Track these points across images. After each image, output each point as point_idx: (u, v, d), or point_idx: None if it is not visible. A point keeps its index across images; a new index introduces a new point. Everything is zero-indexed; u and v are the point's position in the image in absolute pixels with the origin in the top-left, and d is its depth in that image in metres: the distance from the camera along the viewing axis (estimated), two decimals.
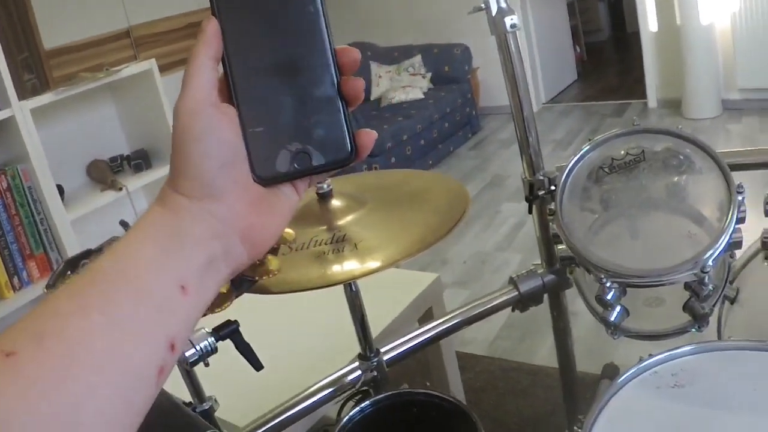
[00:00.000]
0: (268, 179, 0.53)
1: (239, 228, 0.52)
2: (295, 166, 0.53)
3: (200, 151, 0.50)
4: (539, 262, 1.70)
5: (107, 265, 0.48)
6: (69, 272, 1.10)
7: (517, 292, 1.66)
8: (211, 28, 0.52)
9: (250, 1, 0.52)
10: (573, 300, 1.73)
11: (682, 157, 1.28)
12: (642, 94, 6.29)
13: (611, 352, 2.53)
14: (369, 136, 0.54)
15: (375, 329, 1.50)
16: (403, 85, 6.25)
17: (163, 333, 0.48)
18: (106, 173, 3.37)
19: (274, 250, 0.93)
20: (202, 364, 1.16)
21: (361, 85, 0.53)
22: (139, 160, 3.43)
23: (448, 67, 6.33)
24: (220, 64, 0.52)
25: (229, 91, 0.53)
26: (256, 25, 0.52)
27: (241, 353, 1.14)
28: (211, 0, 0.52)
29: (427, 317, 2.00)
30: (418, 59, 6.45)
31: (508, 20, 1.48)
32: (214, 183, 0.51)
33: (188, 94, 0.51)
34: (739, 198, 1.19)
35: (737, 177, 1.24)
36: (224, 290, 0.90)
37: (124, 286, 0.47)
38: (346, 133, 0.53)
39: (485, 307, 1.67)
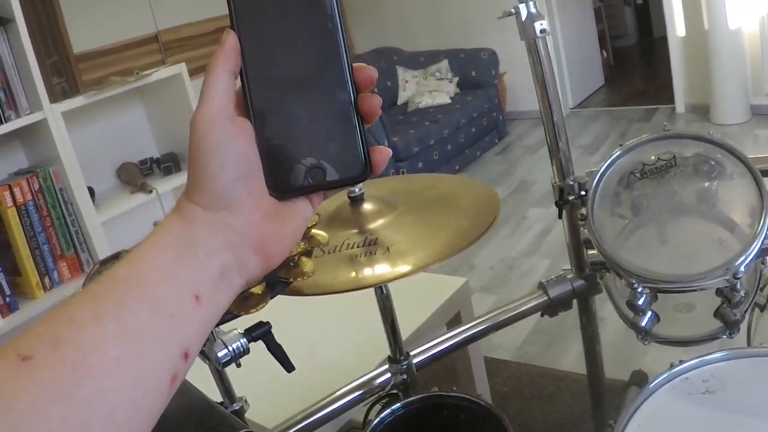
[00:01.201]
0: (282, 193, 0.54)
1: (253, 239, 0.53)
2: (310, 180, 0.53)
3: (216, 163, 0.51)
4: (568, 267, 1.70)
5: (122, 272, 0.48)
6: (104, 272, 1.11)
7: (546, 297, 1.66)
8: (230, 41, 0.52)
9: (270, 16, 0.53)
10: (601, 306, 1.73)
11: (713, 163, 1.28)
12: (669, 99, 6.25)
13: (639, 359, 2.52)
14: (383, 154, 0.55)
15: (404, 333, 1.51)
16: (430, 90, 6.26)
17: (177, 342, 0.48)
18: (136, 176, 3.40)
19: (308, 253, 0.95)
20: (233, 365, 1.17)
21: (377, 102, 0.54)
22: (169, 163, 3.46)
23: (475, 71, 6.33)
24: (238, 77, 0.53)
25: (245, 105, 0.53)
26: (275, 40, 0.53)
27: (273, 354, 1.15)
28: (231, 14, 0.53)
29: (455, 321, 2.01)
30: (444, 64, 6.46)
31: (538, 25, 1.49)
32: (229, 195, 0.51)
33: (205, 107, 0.51)
34: None
35: None
36: (259, 291, 0.91)
37: (138, 295, 0.47)
38: (361, 149, 0.54)
39: (515, 312, 1.67)
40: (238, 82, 0.53)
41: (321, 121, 0.53)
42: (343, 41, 0.53)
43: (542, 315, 1.71)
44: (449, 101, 6.10)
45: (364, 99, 0.54)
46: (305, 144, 0.53)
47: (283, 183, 0.53)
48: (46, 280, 2.82)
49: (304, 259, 0.82)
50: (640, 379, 2.09)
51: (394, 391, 1.47)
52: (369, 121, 0.54)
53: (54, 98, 2.85)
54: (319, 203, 0.57)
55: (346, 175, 0.54)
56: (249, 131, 0.52)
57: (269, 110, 0.53)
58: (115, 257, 1.13)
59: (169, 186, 3.39)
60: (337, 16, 0.53)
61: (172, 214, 0.53)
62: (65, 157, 2.86)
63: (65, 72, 4.55)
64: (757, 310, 1.46)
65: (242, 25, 0.53)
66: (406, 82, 6.49)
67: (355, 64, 0.54)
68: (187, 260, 0.50)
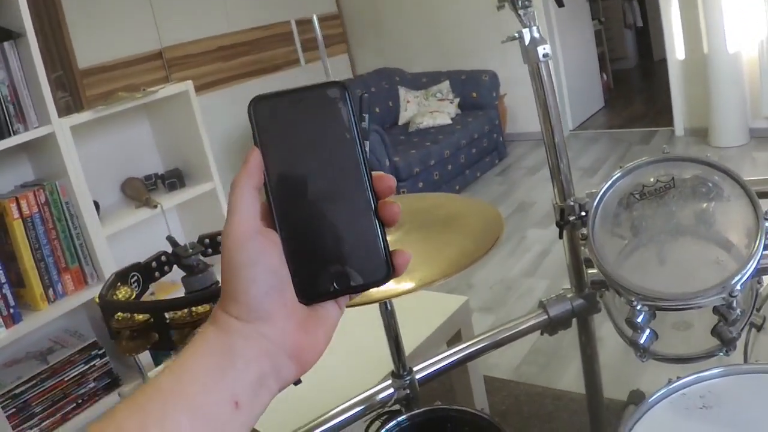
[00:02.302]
0: (311, 300, 0.56)
1: (288, 347, 0.55)
2: (336, 286, 0.56)
3: (248, 278, 0.53)
4: (567, 287, 1.73)
5: (165, 382, 0.51)
6: (119, 284, 1.14)
7: (546, 316, 1.68)
8: (254, 159, 0.55)
9: (291, 131, 0.56)
10: (599, 326, 1.75)
11: (710, 185, 1.31)
12: (669, 122, 6.30)
13: (637, 378, 2.54)
14: (404, 257, 0.58)
15: (406, 349, 1.53)
16: (431, 111, 6.31)
17: None
18: (140, 191, 3.43)
19: None
20: None
21: (397, 209, 0.56)
22: (174, 179, 3.49)
23: (476, 93, 6.38)
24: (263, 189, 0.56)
25: (271, 217, 0.56)
26: (296, 154, 0.56)
27: None
28: (253, 130, 0.56)
29: (455, 340, 2.03)
30: (445, 85, 6.51)
31: (541, 50, 1.52)
32: (261, 307, 0.54)
33: (234, 224, 0.54)
34: (767, 225, 1.22)
35: (765, 204, 1.26)
36: None
37: (180, 403, 0.50)
38: (383, 254, 0.56)
39: (515, 330, 1.69)
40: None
41: (344, 229, 0.56)
42: (362, 152, 0.56)
43: (542, 333, 1.73)
44: (450, 122, 6.14)
45: (384, 206, 0.56)
46: (330, 252, 0.56)
47: (311, 290, 0.56)
48: (50, 292, 2.83)
49: None
50: (638, 399, 2.10)
51: (396, 407, 1.49)
52: (389, 226, 0.57)
53: (58, 113, 2.88)
54: (345, 304, 0.59)
55: (370, 279, 0.56)
56: (277, 243, 0.55)
57: (294, 222, 0.56)
58: (132, 269, 1.16)
59: (173, 201, 3.41)
60: (354, 128, 0.56)
61: (208, 324, 0.55)
62: (72, 170, 2.88)
63: (70, 86, 4.60)
64: (753, 330, 1.49)
65: (264, 140, 0.56)
66: (408, 102, 6.54)
67: (374, 173, 0.57)
68: (226, 369, 0.53)
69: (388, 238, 0.57)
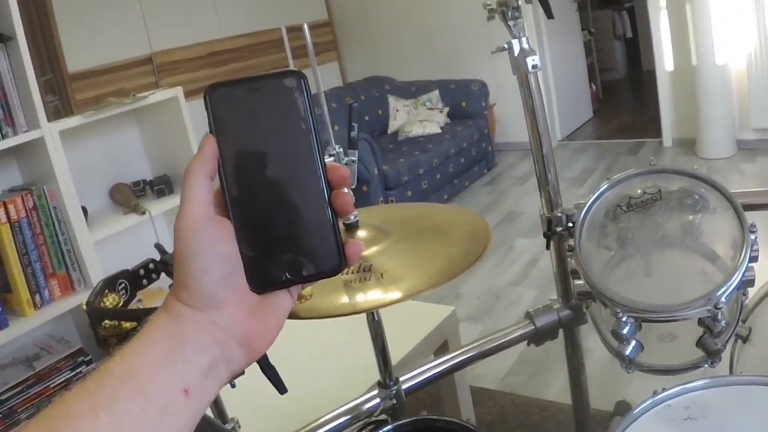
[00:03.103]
0: (263, 288, 0.57)
1: (239, 334, 0.55)
2: (288, 275, 0.56)
3: (199, 266, 0.54)
4: (555, 297, 1.73)
5: (116, 368, 0.51)
6: (106, 291, 1.14)
7: (533, 327, 1.69)
8: (209, 147, 0.55)
9: (246, 120, 0.56)
10: (586, 337, 1.76)
11: (697, 197, 1.32)
12: (657, 133, 6.34)
13: (623, 390, 2.55)
14: (356, 248, 0.58)
15: (393, 359, 1.53)
16: (421, 119, 6.32)
17: None
18: (129, 197, 3.42)
19: None
20: (228, 385, 1.19)
21: (350, 200, 0.57)
22: (162, 186, 3.48)
23: (465, 102, 6.40)
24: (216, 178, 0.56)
25: (225, 205, 0.56)
26: (251, 143, 0.56)
27: (267, 376, 1.17)
28: (209, 119, 0.56)
29: (442, 350, 2.03)
30: (435, 94, 6.52)
31: (530, 60, 1.53)
32: (213, 295, 0.54)
33: (186, 211, 0.54)
34: (752, 237, 1.23)
35: (751, 217, 1.28)
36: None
37: (131, 389, 0.50)
38: (335, 245, 0.57)
39: (502, 341, 1.69)
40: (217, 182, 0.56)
41: (297, 218, 0.56)
42: (317, 142, 0.56)
43: (528, 344, 1.74)
44: (439, 131, 6.15)
45: (338, 196, 0.57)
46: (283, 241, 0.56)
47: (263, 279, 0.56)
48: (37, 297, 2.82)
49: None
50: (624, 410, 2.11)
51: (383, 417, 1.49)
52: (342, 216, 0.58)
53: (47, 117, 2.87)
54: (297, 293, 0.60)
55: (322, 269, 0.57)
56: (230, 231, 0.55)
57: (247, 210, 0.56)
58: (120, 276, 1.16)
59: (161, 208, 3.41)
60: (310, 118, 0.56)
61: (160, 311, 0.56)
62: (60, 175, 2.87)
63: (59, 90, 4.59)
64: (739, 341, 1.50)
65: (219, 128, 0.56)
66: (397, 111, 6.55)
67: (328, 164, 0.57)
68: (176, 356, 0.53)
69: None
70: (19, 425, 2.68)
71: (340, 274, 0.58)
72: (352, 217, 1.30)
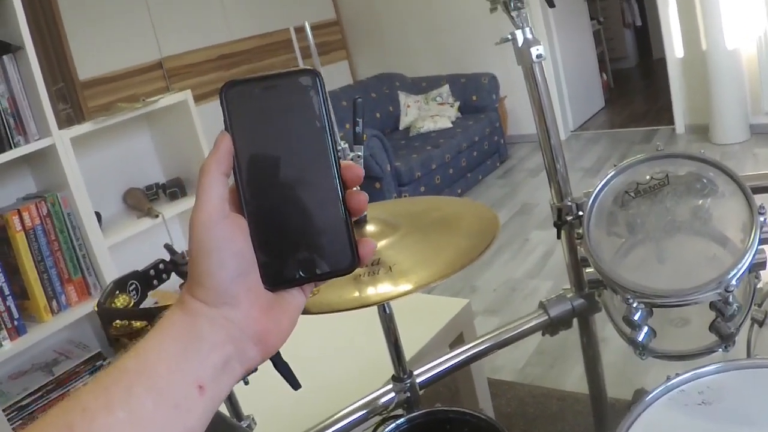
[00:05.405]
0: (276, 286, 0.57)
1: (253, 331, 0.56)
2: (302, 273, 0.57)
3: (215, 263, 0.54)
4: (569, 287, 1.73)
5: (130, 364, 0.52)
6: (117, 292, 1.15)
7: (547, 317, 1.68)
8: (224, 145, 0.55)
9: (262, 118, 0.56)
10: (603, 326, 1.75)
11: (705, 181, 1.31)
12: (669, 121, 6.30)
13: (641, 378, 2.54)
14: (369, 246, 0.58)
15: (408, 353, 1.53)
16: (432, 115, 6.31)
17: (181, 428, 0.51)
18: (142, 201, 3.44)
19: None
20: (241, 382, 1.20)
21: (364, 198, 0.57)
22: (175, 189, 3.50)
23: (476, 96, 6.38)
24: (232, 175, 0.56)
25: (240, 203, 0.56)
26: (266, 141, 0.56)
27: (280, 372, 1.18)
28: (225, 116, 0.56)
29: (458, 342, 2.03)
30: (445, 89, 6.51)
31: (534, 50, 1.52)
32: (228, 292, 0.55)
33: (201, 208, 0.54)
34: (761, 219, 1.22)
35: (764, 200, 1.27)
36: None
37: (145, 385, 0.51)
38: (349, 243, 0.57)
39: (516, 332, 1.69)
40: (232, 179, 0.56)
41: (311, 217, 0.56)
42: (332, 140, 0.56)
43: (543, 334, 1.73)
44: (451, 126, 6.14)
45: (352, 195, 0.57)
46: (297, 239, 0.56)
47: (277, 277, 0.56)
48: (54, 303, 2.84)
49: None
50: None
51: (399, 411, 1.49)
52: (356, 215, 0.57)
53: (60, 124, 2.89)
54: (310, 291, 0.60)
55: (336, 268, 0.57)
56: (244, 228, 0.55)
57: (262, 208, 0.56)
58: (131, 277, 1.17)
59: (174, 211, 3.42)
60: (325, 116, 0.56)
61: (175, 307, 0.56)
62: (73, 182, 2.90)
63: (71, 98, 4.61)
64: (756, 325, 1.49)
65: (235, 126, 0.56)
66: (408, 107, 6.54)
67: (342, 162, 0.57)
68: (191, 352, 0.53)
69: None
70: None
71: None
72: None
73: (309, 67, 0.57)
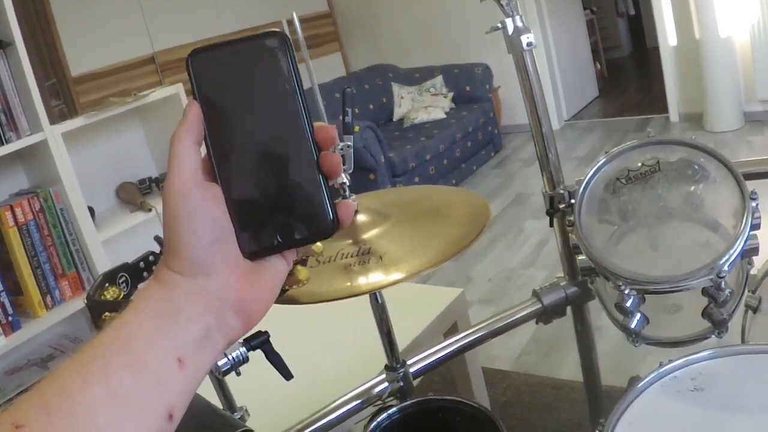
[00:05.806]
0: (254, 253, 0.55)
1: (232, 300, 0.54)
2: (279, 239, 0.55)
3: (189, 231, 0.52)
4: (562, 275, 1.73)
5: (107, 340, 0.50)
6: (107, 284, 1.14)
7: (540, 305, 1.68)
8: (193, 113, 0.54)
9: (230, 83, 0.55)
10: (598, 315, 1.75)
11: (696, 167, 1.31)
12: (663, 109, 6.30)
13: (637, 366, 2.54)
14: (348, 208, 0.57)
15: (402, 343, 1.53)
16: (425, 106, 6.30)
17: (162, 404, 0.50)
18: (135, 195, 3.43)
19: (302, 262, 0.97)
20: (233, 373, 1.20)
21: (337, 161, 0.56)
22: None
23: (469, 86, 6.38)
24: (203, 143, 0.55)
25: (213, 171, 0.55)
26: (236, 106, 0.55)
27: (272, 363, 1.18)
28: (192, 83, 0.55)
29: (452, 332, 2.03)
30: (439, 79, 6.51)
31: (525, 39, 1.52)
32: (204, 261, 0.53)
33: (173, 177, 0.53)
34: (753, 204, 1.22)
35: (756, 186, 1.26)
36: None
37: (123, 360, 0.49)
38: (326, 206, 0.55)
39: (509, 320, 1.69)
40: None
41: (286, 181, 0.55)
42: (303, 103, 0.55)
43: (537, 322, 1.73)
44: (444, 116, 6.14)
45: (325, 158, 0.55)
46: (273, 205, 0.55)
47: (254, 244, 0.55)
48: (48, 298, 2.84)
49: (299, 267, 0.85)
50: None
51: (392, 401, 1.49)
52: (331, 178, 0.56)
53: (53, 120, 2.88)
54: (292, 258, 0.59)
55: (314, 231, 0.56)
56: (219, 196, 0.54)
57: (235, 174, 0.55)
58: (121, 270, 1.16)
59: None
60: (295, 78, 0.55)
61: (152, 281, 0.54)
62: (65, 177, 2.89)
63: (63, 94, 4.60)
64: (749, 311, 1.49)
65: (203, 93, 0.55)
66: (402, 98, 6.53)
67: (315, 124, 0.56)
68: (169, 325, 0.52)
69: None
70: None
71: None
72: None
73: (276, 29, 0.56)
